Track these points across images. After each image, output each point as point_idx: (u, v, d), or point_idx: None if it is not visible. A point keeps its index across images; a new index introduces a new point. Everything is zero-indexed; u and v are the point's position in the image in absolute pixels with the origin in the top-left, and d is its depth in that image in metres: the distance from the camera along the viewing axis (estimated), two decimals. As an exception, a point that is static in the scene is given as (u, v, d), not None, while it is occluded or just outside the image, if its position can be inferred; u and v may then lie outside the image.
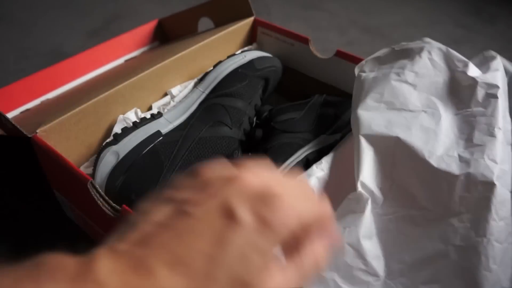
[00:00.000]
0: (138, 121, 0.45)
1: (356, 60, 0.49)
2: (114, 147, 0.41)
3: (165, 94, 0.53)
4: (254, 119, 0.51)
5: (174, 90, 0.53)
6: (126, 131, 0.43)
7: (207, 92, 0.48)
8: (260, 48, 0.62)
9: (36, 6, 0.93)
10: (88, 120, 0.44)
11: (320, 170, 0.40)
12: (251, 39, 0.62)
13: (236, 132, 0.46)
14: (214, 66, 0.50)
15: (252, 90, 0.49)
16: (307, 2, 1.05)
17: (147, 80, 0.49)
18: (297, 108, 0.50)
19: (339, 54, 0.53)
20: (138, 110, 0.50)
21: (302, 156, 0.45)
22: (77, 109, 0.42)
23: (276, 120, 0.48)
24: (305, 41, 0.56)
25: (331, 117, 0.49)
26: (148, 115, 0.47)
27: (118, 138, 0.42)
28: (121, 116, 0.48)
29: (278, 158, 0.44)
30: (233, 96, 0.48)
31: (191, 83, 0.53)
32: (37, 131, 0.39)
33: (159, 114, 0.46)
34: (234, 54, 0.52)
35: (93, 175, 0.41)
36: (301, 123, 0.48)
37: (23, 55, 0.77)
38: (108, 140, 0.43)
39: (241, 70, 0.50)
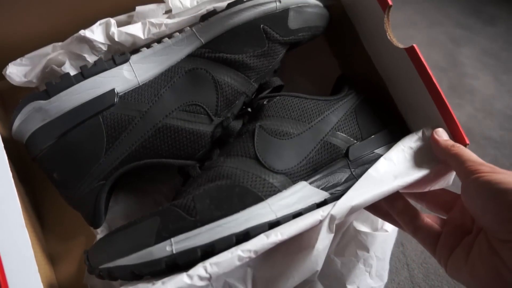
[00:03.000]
0: (103, 48, 0.33)
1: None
2: (42, 103, 0.29)
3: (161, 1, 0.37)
4: (252, 96, 0.35)
5: None
6: (65, 82, 0.29)
7: (204, 41, 0.32)
8: None
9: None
10: (58, 9, 0.35)
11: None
12: None
13: (216, 122, 0.33)
14: (229, 6, 0.32)
15: (266, 61, 0.33)
16: (307, 2, 1.05)
17: None
18: (307, 111, 0.32)
19: (409, 51, 0.35)
20: (113, 23, 0.34)
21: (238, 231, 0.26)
22: None
23: (262, 124, 0.31)
24: (383, 2, 0.34)
25: (339, 153, 0.32)
26: (114, 33, 0.33)
27: (50, 91, 0.29)
28: (81, 32, 0.33)
29: (214, 207, 0.27)
30: (234, 66, 0.32)
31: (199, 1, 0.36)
32: None
33: (124, 57, 0.31)
34: None
35: (11, 124, 0.30)
36: (289, 152, 0.30)
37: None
38: (37, 90, 0.32)
39: (264, 27, 0.32)
